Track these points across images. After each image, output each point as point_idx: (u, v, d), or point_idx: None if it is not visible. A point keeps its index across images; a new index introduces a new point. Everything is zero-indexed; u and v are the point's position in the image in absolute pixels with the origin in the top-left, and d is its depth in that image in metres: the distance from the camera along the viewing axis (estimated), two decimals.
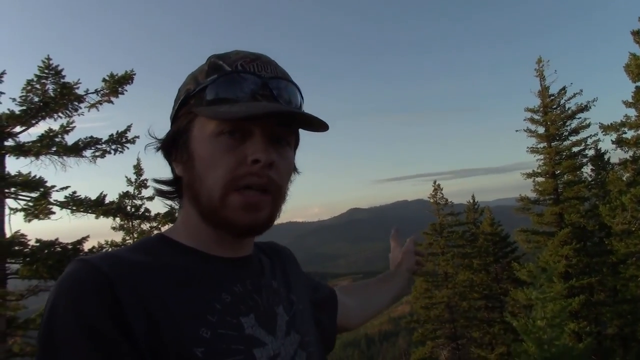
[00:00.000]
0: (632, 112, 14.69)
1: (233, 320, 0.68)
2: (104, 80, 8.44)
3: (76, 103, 8.38)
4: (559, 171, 17.41)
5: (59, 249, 7.71)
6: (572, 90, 17.26)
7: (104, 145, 8.75)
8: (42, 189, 7.82)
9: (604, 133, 15.55)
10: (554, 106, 17.45)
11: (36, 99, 8.02)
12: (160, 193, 0.80)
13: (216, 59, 0.73)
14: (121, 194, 10.09)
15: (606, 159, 18.72)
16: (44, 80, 8.00)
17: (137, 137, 8.86)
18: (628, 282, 14.73)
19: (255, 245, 0.85)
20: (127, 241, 10.90)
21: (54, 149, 8.17)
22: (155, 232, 7.75)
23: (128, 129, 8.85)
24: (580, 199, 17.01)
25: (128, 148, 8.94)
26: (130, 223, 10.79)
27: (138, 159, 11.56)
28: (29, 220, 7.78)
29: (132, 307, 0.60)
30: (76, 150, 8.43)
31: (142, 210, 9.92)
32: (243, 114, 0.65)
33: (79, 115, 8.55)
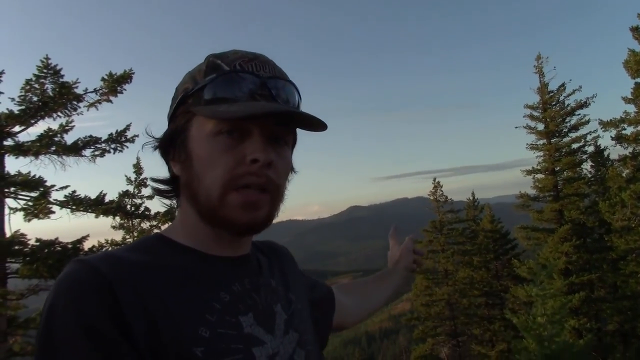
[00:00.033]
0: (631, 109, 14.67)
1: (232, 320, 0.68)
2: (103, 79, 8.43)
3: (75, 102, 8.37)
4: (558, 168, 17.41)
5: (59, 248, 7.71)
6: (572, 87, 17.29)
7: (103, 145, 8.74)
8: (41, 189, 7.83)
9: (603, 129, 15.51)
10: (554, 103, 17.41)
11: (35, 99, 8.01)
12: (158, 192, 0.80)
13: (214, 59, 0.73)
14: (121, 193, 10.10)
15: (606, 156, 18.66)
16: (42, 80, 7.99)
17: (137, 136, 8.87)
18: (628, 278, 14.71)
19: (253, 244, 0.85)
20: (127, 240, 10.90)
21: (53, 148, 8.17)
22: (155, 230, 7.78)
23: (127, 128, 8.85)
24: (580, 195, 16.98)
25: (127, 147, 8.95)
26: (130, 222, 10.80)
27: (138, 158, 11.60)
28: (29, 220, 7.79)
29: (131, 307, 0.60)
30: (75, 149, 8.42)
31: (142, 209, 9.93)
32: (242, 113, 0.65)
33: (78, 114, 8.56)
